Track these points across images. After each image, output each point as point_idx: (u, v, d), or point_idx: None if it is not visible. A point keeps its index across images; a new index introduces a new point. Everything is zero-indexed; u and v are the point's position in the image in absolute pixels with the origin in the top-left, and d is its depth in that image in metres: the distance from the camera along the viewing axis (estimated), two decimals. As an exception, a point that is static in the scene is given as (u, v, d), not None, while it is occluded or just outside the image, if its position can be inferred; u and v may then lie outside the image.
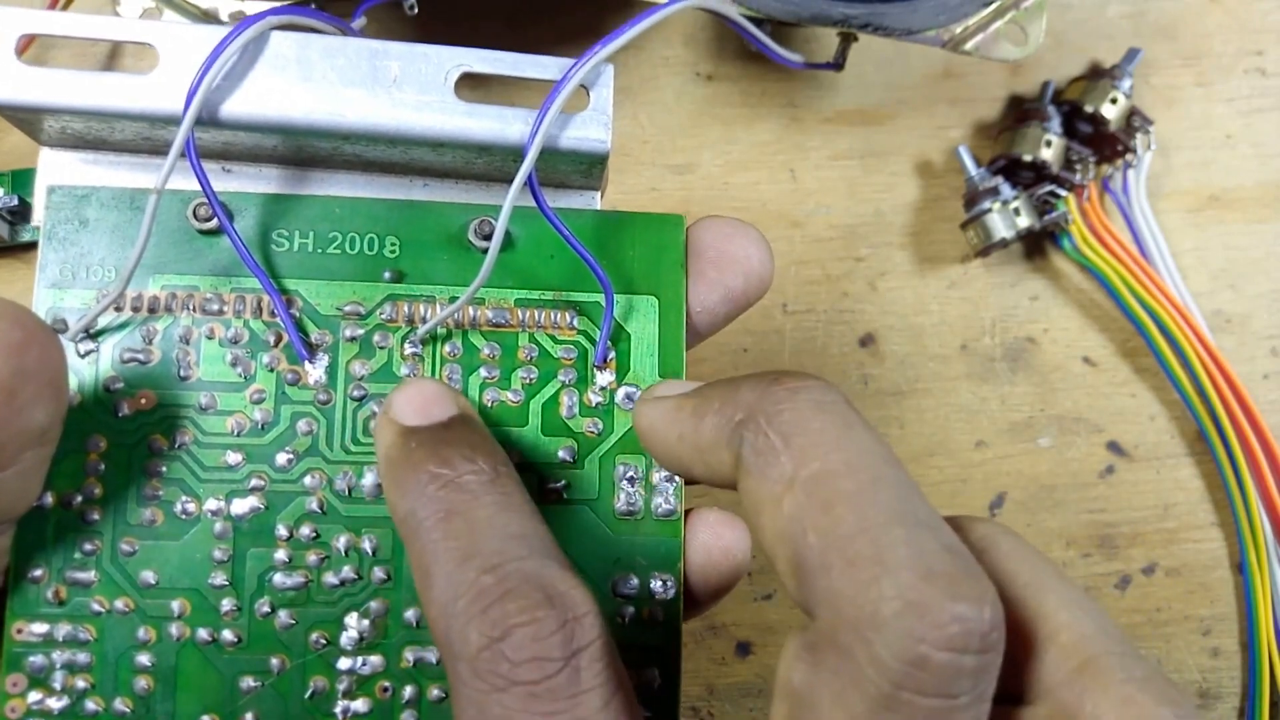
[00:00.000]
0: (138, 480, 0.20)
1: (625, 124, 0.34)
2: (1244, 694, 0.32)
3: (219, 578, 0.20)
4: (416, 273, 0.21)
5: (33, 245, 0.32)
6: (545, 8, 0.34)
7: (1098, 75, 0.33)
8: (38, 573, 0.20)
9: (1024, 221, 0.32)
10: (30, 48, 0.31)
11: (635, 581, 0.21)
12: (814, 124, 0.34)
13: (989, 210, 0.32)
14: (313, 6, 0.27)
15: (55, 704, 0.20)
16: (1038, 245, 0.34)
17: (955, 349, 0.33)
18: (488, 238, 0.21)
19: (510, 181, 0.20)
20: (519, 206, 0.20)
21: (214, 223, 0.21)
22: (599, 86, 0.21)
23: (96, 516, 0.20)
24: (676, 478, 0.21)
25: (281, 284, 0.21)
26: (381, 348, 0.21)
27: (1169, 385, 0.32)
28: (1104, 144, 0.33)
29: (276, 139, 0.21)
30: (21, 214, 0.32)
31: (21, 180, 0.33)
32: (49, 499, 0.20)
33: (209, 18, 0.27)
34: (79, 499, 0.20)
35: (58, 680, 0.20)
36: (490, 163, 0.21)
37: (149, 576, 0.20)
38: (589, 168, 0.22)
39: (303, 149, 0.21)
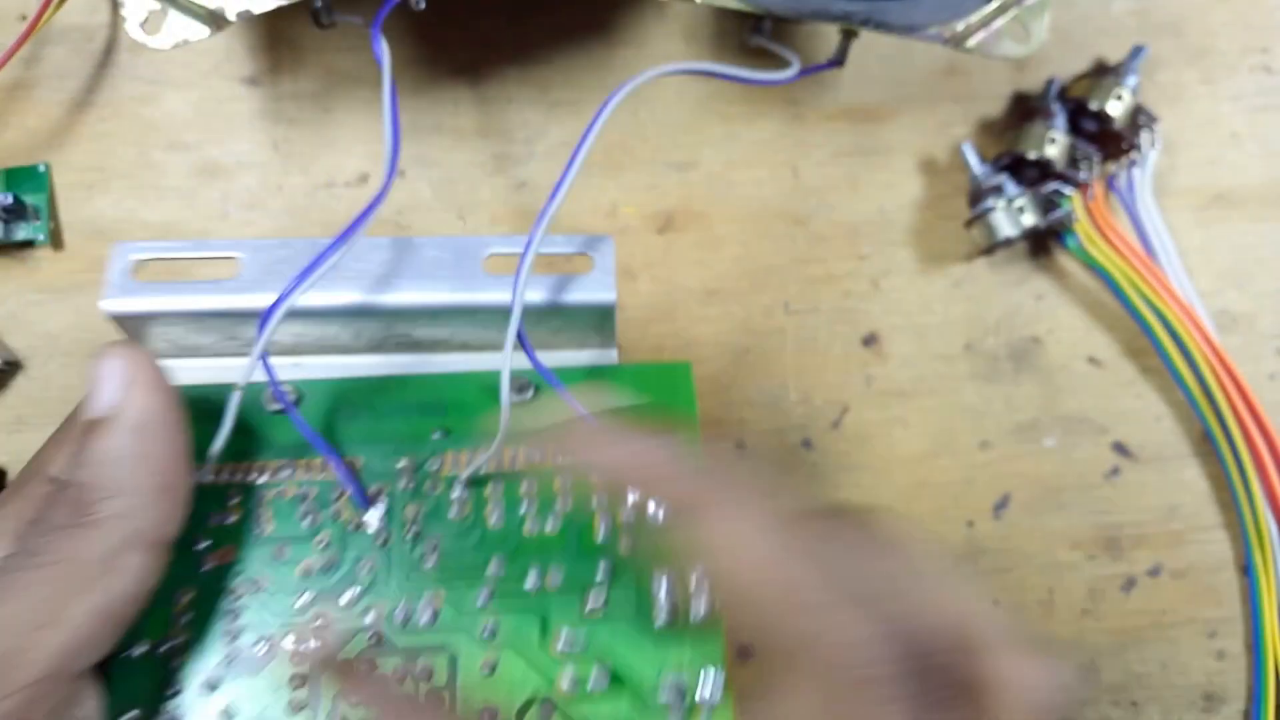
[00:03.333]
0: (220, 623, 0.23)
1: (625, 121, 0.34)
2: (1249, 696, 0.32)
3: (294, 710, 0.23)
4: (461, 429, 0.25)
5: (28, 243, 0.32)
6: (545, 4, 0.34)
7: (1103, 72, 0.33)
8: (133, 714, 0.22)
9: (1028, 220, 0.31)
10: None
11: (680, 685, 0.23)
12: (816, 121, 0.34)
13: (993, 208, 0.31)
14: (328, 1, 0.27)
15: None
16: (1042, 244, 0.33)
17: (959, 348, 0.33)
18: (521, 390, 0.25)
19: (542, 349, 0.24)
20: (547, 364, 0.24)
21: (284, 406, 0.24)
22: (602, 253, 0.24)
23: (180, 661, 0.23)
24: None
25: (345, 450, 0.24)
26: (432, 493, 0.24)
27: (1175, 385, 0.32)
28: (1109, 142, 0.32)
29: (337, 326, 0.25)
30: (17, 212, 0.31)
31: (17, 178, 0.32)
32: (143, 648, 0.23)
33: (215, 18, 0.27)
34: (165, 647, 0.23)
35: None
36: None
37: (230, 711, 0.22)
38: (600, 321, 0.25)
39: (361, 335, 0.25)
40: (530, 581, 0.24)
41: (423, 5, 0.27)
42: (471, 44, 0.34)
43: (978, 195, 0.32)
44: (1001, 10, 0.28)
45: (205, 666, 0.23)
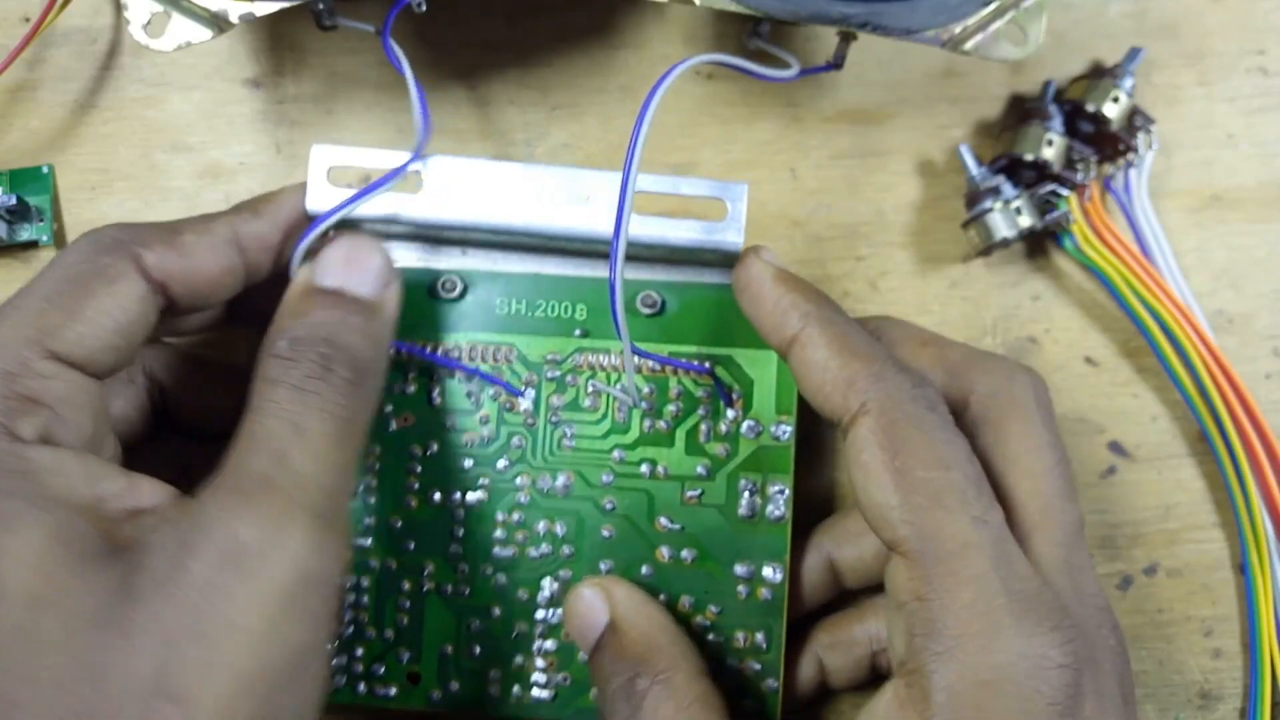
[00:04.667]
0: (402, 477, 0.28)
1: (625, 122, 0.34)
2: (1245, 695, 0.32)
3: (455, 548, 0.28)
4: (598, 331, 0.28)
5: (32, 244, 0.32)
6: (545, 6, 0.34)
7: (1099, 74, 0.33)
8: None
9: (1025, 221, 0.32)
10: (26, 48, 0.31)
11: (752, 568, 0.28)
12: (814, 123, 0.34)
13: (990, 209, 0.32)
14: (331, 4, 0.27)
15: (344, 630, 0.28)
16: (1039, 245, 0.34)
17: (956, 349, 0.33)
18: (651, 305, 0.28)
19: (671, 264, 0.28)
20: (671, 281, 0.28)
21: (457, 292, 0.28)
22: (735, 200, 0.27)
23: (373, 501, 0.28)
24: (786, 490, 0.28)
25: (501, 334, 0.28)
26: (572, 386, 0.28)
27: (1171, 385, 0.32)
28: (1106, 143, 0.32)
29: (503, 236, 0.28)
30: (20, 213, 0.32)
31: (20, 179, 0.33)
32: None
33: (218, 20, 0.27)
34: (361, 488, 0.28)
35: (347, 614, 0.28)
36: (654, 252, 0.28)
37: (408, 545, 0.28)
38: (726, 258, 0.28)
39: (521, 241, 0.28)
40: (644, 469, 0.28)
41: (424, 7, 0.27)
42: (472, 46, 0.34)
43: (975, 197, 0.32)
44: (999, 13, 0.28)
45: (389, 508, 0.28)
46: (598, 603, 0.26)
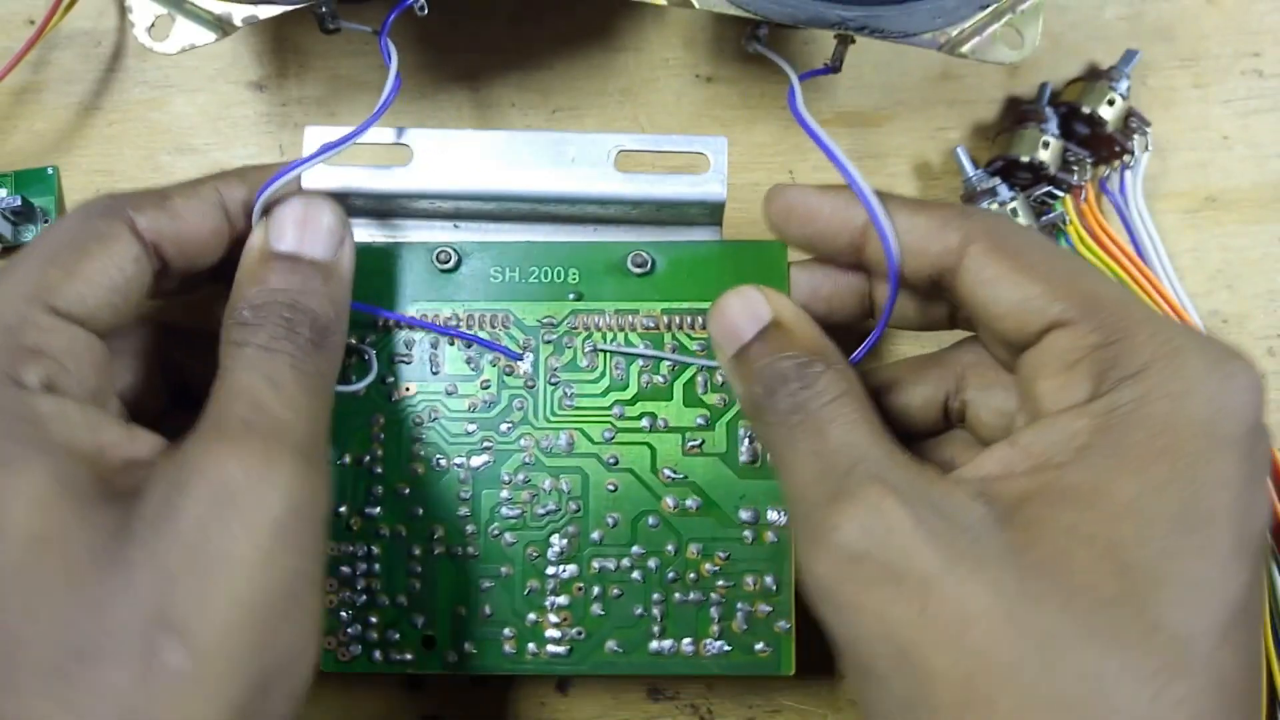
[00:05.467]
0: (407, 444, 0.29)
1: (625, 125, 0.34)
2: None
3: (463, 510, 0.29)
4: (591, 293, 0.29)
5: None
6: (545, 9, 0.34)
7: (1095, 77, 0.33)
8: (342, 509, 0.29)
9: (1022, 222, 0.32)
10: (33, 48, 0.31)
11: (756, 512, 0.29)
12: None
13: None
14: (333, 8, 0.27)
15: (357, 599, 0.29)
16: (1035, 246, 0.34)
17: (953, 349, 0.33)
18: (640, 265, 0.29)
19: (658, 224, 0.30)
20: (660, 241, 0.29)
21: (451, 263, 0.29)
22: (717, 153, 0.28)
23: (380, 470, 0.29)
24: None
25: (497, 301, 0.29)
26: (569, 348, 0.29)
27: (1166, 385, 0.32)
28: (1101, 145, 0.33)
29: (493, 204, 0.29)
30: (25, 214, 0.32)
31: (25, 181, 0.33)
32: (348, 459, 0.29)
33: (221, 23, 0.27)
34: (367, 458, 0.29)
35: (359, 583, 0.29)
36: (642, 211, 0.29)
37: (416, 510, 0.29)
38: (712, 211, 0.29)
39: (510, 209, 0.29)
40: (644, 423, 0.29)
41: (425, 10, 0.28)
42: (473, 49, 0.34)
43: (971, 198, 0.32)
44: (995, 16, 0.28)
45: (396, 476, 0.29)
46: (761, 303, 0.26)
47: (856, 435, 0.23)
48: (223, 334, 0.25)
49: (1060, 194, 0.32)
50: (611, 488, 0.29)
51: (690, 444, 0.29)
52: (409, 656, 0.29)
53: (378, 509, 0.29)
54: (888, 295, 0.26)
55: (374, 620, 0.29)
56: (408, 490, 0.29)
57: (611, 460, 0.29)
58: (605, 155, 0.28)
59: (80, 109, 0.34)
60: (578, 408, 0.29)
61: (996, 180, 0.32)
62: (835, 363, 0.25)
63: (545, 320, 0.29)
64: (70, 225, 0.25)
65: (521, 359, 0.29)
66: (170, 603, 0.20)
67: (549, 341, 0.29)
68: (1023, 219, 0.32)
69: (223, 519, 0.21)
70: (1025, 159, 0.32)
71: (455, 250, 0.29)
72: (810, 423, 0.24)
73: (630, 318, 0.29)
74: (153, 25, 0.28)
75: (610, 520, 0.29)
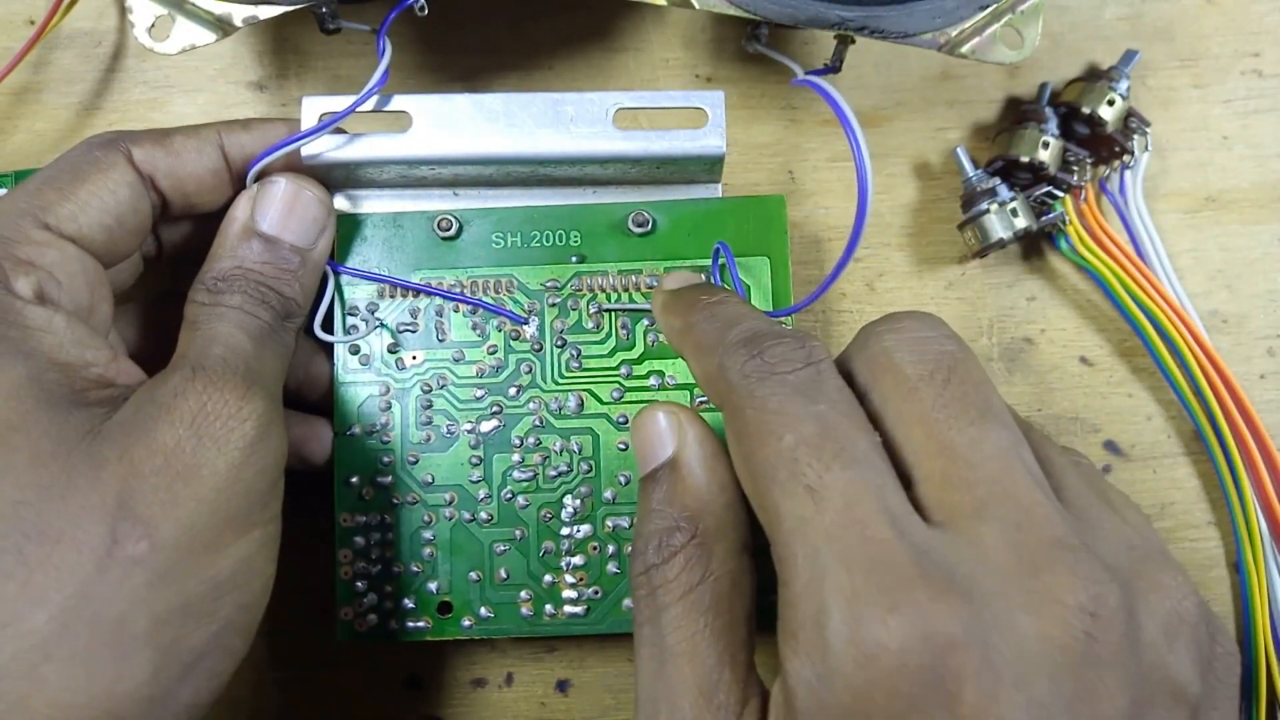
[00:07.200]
0: (416, 412, 0.29)
1: (625, 126, 0.34)
2: (1241, 693, 0.32)
3: (475, 475, 0.29)
4: (594, 255, 0.30)
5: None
6: (545, 10, 0.34)
7: (1095, 77, 0.33)
8: (354, 480, 0.29)
9: (1021, 222, 0.32)
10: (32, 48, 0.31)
11: None
12: (812, 126, 0.34)
13: (986, 211, 0.32)
14: (334, 8, 0.27)
15: (372, 568, 0.29)
16: (1035, 246, 0.34)
17: (953, 349, 0.33)
18: (641, 225, 0.29)
19: (657, 184, 0.30)
20: (661, 200, 0.30)
21: (453, 231, 0.30)
22: (714, 107, 0.28)
23: (389, 440, 0.29)
24: None
25: (500, 267, 0.30)
26: (574, 310, 0.30)
27: (1166, 385, 0.32)
28: (1101, 145, 0.33)
29: (493, 168, 0.29)
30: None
31: (26, 181, 0.33)
32: (357, 429, 0.29)
33: (221, 24, 0.27)
34: (377, 428, 0.29)
35: (374, 552, 0.29)
36: (641, 171, 0.29)
37: (427, 478, 0.29)
38: (711, 166, 0.29)
39: (510, 174, 0.29)
40: (652, 381, 0.29)
41: (425, 11, 0.28)
42: (473, 50, 0.34)
43: (971, 198, 0.32)
44: (995, 17, 0.28)
45: (407, 445, 0.29)
46: (668, 435, 0.24)
47: (681, 668, 0.22)
48: (192, 293, 0.26)
49: (1060, 194, 0.32)
50: (622, 447, 0.29)
51: (699, 399, 0.29)
52: (426, 624, 0.29)
53: (389, 478, 0.29)
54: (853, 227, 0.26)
55: (389, 589, 0.29)
56: (418, 458, 0.29)
57: (621, 419, 0.29)
58: (604, 114, 0.29)
59: (80, 109, 0.34)
60: (585, 369, 0.29)
61: (996, 180, 0.32)
62: (706, 536, 0.23)
63: (549, 283, 0.29)
64: (71, 154, 0.26)
65: (527, 323, 0.29)
66: (136, 499, 0.22)
67: (554, 304, 0.30)
68: (1023, 219, 0.32)
69: (198, 436, 0.23)
70: (1025, 159, 0.32)
71: (456, 218, 0.29)
72: (653, 627, 0.23)
73: (634, 277, 0.29)
74: (153, 25, 0.28)
75: (622, 479, 0.29)
